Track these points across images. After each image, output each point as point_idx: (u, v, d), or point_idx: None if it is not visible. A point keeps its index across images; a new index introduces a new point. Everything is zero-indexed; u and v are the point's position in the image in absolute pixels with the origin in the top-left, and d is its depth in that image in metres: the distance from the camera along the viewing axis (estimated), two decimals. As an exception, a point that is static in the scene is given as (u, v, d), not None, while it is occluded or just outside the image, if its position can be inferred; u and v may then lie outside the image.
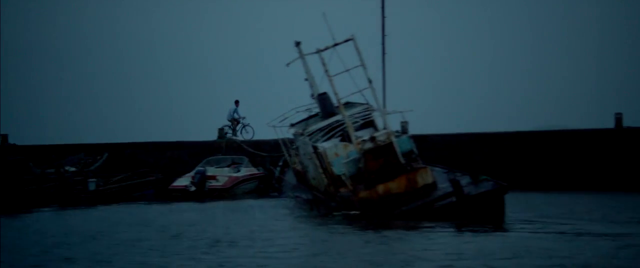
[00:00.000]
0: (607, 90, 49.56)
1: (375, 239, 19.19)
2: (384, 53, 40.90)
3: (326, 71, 24.10)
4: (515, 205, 23.43)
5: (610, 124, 36.12)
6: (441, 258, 16.13)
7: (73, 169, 35.03)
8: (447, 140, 37.24)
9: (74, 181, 33.85)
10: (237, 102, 40.61)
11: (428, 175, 23.66)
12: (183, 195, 33.60)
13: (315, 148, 25.45)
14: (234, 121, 40.17)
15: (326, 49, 24.01)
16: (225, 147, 38.90)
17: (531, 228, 20.54)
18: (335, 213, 23.80)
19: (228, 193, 34.07)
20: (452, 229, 20.49)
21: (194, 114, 51.38)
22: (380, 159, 23.67)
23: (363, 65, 24.27)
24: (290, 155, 31.21)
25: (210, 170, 34.96)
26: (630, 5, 52.41)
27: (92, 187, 33.75)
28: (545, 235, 19.21)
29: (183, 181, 34.61)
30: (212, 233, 20.79)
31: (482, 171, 24.51)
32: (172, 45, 59.72)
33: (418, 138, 25.75)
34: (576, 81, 51.72)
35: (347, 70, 24.20)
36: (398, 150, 23.83)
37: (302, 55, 26.24)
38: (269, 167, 37.02)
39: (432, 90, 51.20)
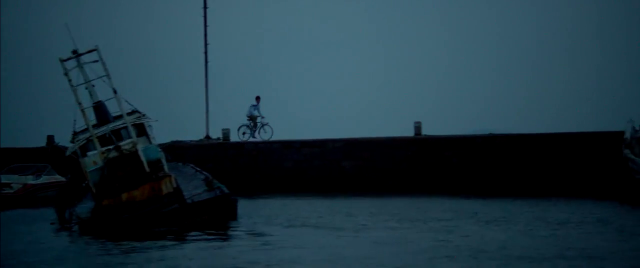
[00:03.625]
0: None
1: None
2: (206, 61, 41.54)
3: (69, 81, 24.28)
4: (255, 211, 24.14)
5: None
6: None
7: None
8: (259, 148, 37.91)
9: None
10: (258, 98, 38.24)
11: (172, 183, 24.03)
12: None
13: (77, 157, 25.58)
14: (253, 119, 38.16)
15: (69, 59, 24.20)
16: (51, 153, 38.60)
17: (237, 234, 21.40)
18: (73, 223, 24.04)
19: (21, 200, 33.88)
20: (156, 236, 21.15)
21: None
22: (125, 168, 23.94)
23: (108, 75, 24.54)
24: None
25: (5, 178, 34.68)
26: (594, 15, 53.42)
27: None
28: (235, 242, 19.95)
29: None
30: None
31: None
32: None
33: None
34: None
35: (91, 81, 24.47)
36: (143, 159, 24.14)
37: (80, 64, 26.32)
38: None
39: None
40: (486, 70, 50.22)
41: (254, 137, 38.01)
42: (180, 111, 43.77)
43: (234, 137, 38.85)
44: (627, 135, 31.71)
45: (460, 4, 54.56)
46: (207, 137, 40.23)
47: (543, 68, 51.03)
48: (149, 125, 26.88)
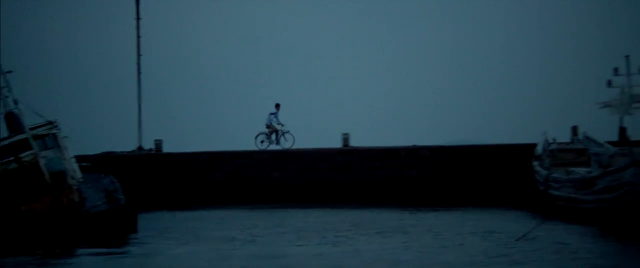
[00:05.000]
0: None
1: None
2: (139, 72, 41.97)
3: None
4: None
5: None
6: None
7: None
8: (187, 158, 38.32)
9: None
10: (277, 106, 38.07)
11: (75, 195, 24.50)
12: None
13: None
14: (272, 127, 37.89)
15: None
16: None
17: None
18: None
19: None
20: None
21: None
22: (24, 179, 24.37)
23: (7, 87, 25.01)
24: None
25: None
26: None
27: None
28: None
29: None
30: None
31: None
32: None
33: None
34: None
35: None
36: (45, 170, 24.59)
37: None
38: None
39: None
40: (420, 83, 50.83)
41: (277, 143, 37.84)
42: (113, 122, 44.15)
43: (169, 148, 39.29)
44: (539, 147, 32.50)
45: (392, 18, 55.17)
46: (140, 148, 40.58)
47: (482, 79, 51.68)
48: (64, 137, 27.44)
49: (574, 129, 34.31)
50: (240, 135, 40.76)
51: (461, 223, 26.21)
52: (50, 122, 27.05)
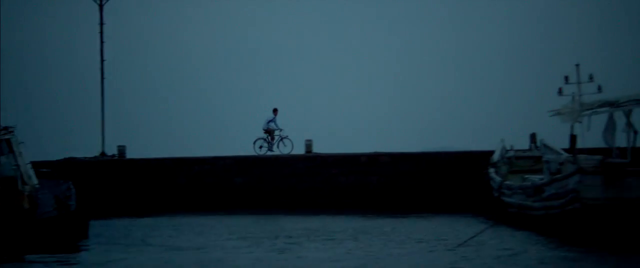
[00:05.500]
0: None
1: None
2: (102, 77, 42.03)
3: None
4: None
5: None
6: None
7: None
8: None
9: None
10: (275, 111, 37.95)
11: (25, 201, 24.51)
12: None
13: None
14: (270, 132, 37.89)
15: None
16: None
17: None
18: None
19: None
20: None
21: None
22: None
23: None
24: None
25: None
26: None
27: None
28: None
29: None
30: None
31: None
32: None
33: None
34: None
35: None
36: (-7, 176, 24.61)
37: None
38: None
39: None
40: (388, 89, 51.04)
41: (271, 150, 37.75)
42: (77, 128, 44.09)
43: (133, 154, 39.34)
44: (497, 154, 32.75)
45: (358, 23, 55.39)
46: (103, 154, 40.61)
47: (448, 87, 51.95)
48: (20, 143, 27.41)
49: (533, 136, 34.54)
50: (201, 138, 40.98)
51: (413, 229, 26.43)
52: (5, 128, 27.03)
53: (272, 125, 37.83)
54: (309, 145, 38.59)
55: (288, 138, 37.86)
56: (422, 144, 41.28)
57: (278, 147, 37.97)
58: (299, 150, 38.30)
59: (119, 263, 19.82)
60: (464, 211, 32.20)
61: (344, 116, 50.58)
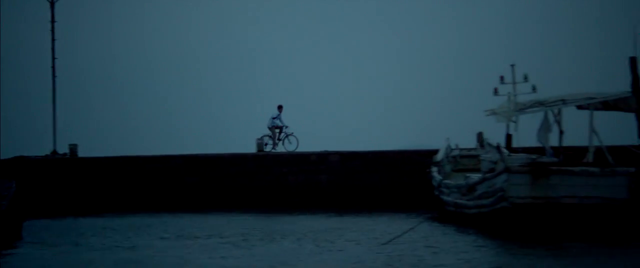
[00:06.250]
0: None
1: None
2: (54, 76, 41.95)
3: None
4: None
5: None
6: None
7: None
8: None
9: None
10: (280, 107, 37.65)
11: None
12: None
13: None
14: (275, 129, 37.59)
15: None
16: None
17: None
18: None
19: None
20: None
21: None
22: None
23: None
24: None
25: None
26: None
27: None
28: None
29: None
30: None
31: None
32: None
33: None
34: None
35: None
36: None
37: None
38: None
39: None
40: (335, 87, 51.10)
41: (275, 148, 37.44)
42: (29, 126, 43.96)
43: (84, 153, 39.24)
44: (441, 153, 32.93)
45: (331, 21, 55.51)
46: (54, 152, 40.52)
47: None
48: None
49: (479, 136, 34.78)
50: (152, 137, 40.96)
51: (350, 227, 26.54)
52: None
53: (277, 122, 37.50)
54: (260, 144, 38.66)
55: (293, 136, 37.57)
56: (400, 143, 41.23)
57: (283, 144, 37.67)
58: (303, 147, 37.90)
59: (32, 263, 19.81)
60: (410, 209, 32.38)
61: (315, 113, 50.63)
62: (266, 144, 37.67)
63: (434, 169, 31.67)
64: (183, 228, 27.88)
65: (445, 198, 28.64)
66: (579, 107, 25.59)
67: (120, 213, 34.19)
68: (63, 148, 40.18)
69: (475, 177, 27.92)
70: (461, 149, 33.26)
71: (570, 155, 25.49)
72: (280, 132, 37.51)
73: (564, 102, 23.96)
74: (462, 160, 32.40)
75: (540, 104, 24.68)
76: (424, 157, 34.99)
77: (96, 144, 40.77)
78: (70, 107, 43.11)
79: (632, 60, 25.09)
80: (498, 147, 24.18)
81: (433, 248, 21.05)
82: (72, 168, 38.18)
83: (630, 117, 25.21)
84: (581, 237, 22.05)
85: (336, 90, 51.58)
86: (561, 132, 25.04)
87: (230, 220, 30.45)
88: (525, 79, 26.79)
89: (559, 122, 25.00)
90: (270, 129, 37.72)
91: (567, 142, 26.24)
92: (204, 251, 21.74)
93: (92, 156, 38.78)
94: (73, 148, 39.38)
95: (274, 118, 37.66)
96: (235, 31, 54.69)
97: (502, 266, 18.43)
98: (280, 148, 38.06)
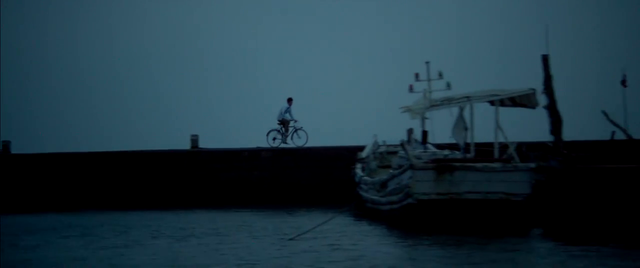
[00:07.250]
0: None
1: None
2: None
3: None
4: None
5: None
6: None
7: None
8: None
9: None
10: (290, 100, 36.18)
11: None
12: None
13: None
14: (285, 123, 36.45)
15: None
16: None
17: None
18: None
19: None
20: None
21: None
22: None
23: None
24: None
25: None
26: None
27: None
28: None
29: None
30: None
31: None
32: None
33: None
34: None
35: None
36: None
37: None
38: None
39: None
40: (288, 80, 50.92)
41: (286, 143, 36.41)
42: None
43: (57, 148, 38.93)
44: (368, 149, 33.15)
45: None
46: (-14, 148, 40.15)
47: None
48: None
49: (409, 132, 35.00)
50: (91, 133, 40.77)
51: (264, 224, 26.71)
52: None
53: (287, 115, 36.31)
54: (194, 140, 38.68)
55: (302, 130, 36.19)
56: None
57: (292, 138, 36.46)
58: (312, 142, 36.93)
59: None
60: (337, 206, 32.43)
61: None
62: (275, 139, 36.51)
63: (358, 166, 31.87)
64: (93, 227, 27.67)
65: (364, 194, 28.85)
66: (492, 104, 25.85)
67: (44, 212, 34.11)
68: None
69: (387, 173, 28.18)
70: (388, 146, 33.47)
71: (484, 151, 25.75)
72: (287, 127, 36.39)
73: (468, 98, 24.24)
74: (387, 156, 32.60)
75: (449, 101, 24.93)
76: (354, 153, 35.19)
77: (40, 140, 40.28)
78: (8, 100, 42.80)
79: (544, 58, 25.34)
80: (402, 144, 24.41)
81: (334, 245, 21.23)
82: (3, 165, 37.90)
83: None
84: (482, 231, 22.36)
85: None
86: (466, 129, 25.27)
87: (150, 218, 30.39)
88: (440, 76, 27.05)
89: (464, 119, 25.24)
90: (279, 122, 36.44)
91: (484, 138, 26.51)
92: (102, 248, 21.78)
93: (26, 152, 38.52)
94: (6, 144, 39.06)
95: (284, 111, 36.34)
96: (234, 27, 54.45)
97: (394, 261, 18.67)
98: (289, 143, 36.79)
